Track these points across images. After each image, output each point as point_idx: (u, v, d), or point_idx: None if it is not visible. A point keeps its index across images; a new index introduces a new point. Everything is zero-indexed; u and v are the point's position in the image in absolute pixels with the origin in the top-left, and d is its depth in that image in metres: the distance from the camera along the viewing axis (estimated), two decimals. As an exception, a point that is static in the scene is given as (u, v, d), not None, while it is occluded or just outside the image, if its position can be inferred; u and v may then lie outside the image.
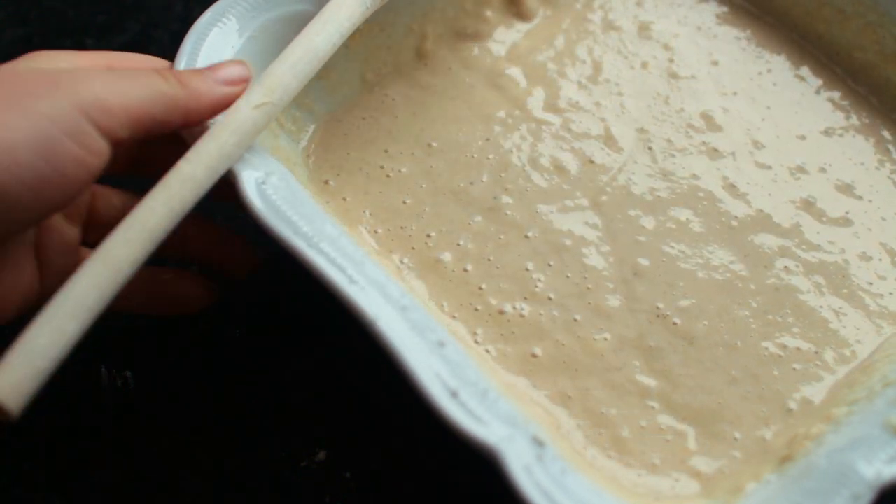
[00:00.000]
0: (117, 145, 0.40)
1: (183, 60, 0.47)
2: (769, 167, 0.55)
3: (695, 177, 0.54)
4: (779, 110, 0.57)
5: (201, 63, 0.47)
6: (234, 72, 0.45)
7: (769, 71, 0.59)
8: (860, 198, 0.54)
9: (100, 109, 0.39)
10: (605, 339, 0.48)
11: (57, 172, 0.38)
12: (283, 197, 0.44)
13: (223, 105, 0.44)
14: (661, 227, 0.52)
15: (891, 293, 0.50)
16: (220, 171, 0.42)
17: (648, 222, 0.52)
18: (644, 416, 0.46)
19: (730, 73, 0.59)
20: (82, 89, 0.39)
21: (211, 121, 0.44)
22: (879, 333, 0.49)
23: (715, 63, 0.59)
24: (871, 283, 0.51)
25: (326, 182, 0.52)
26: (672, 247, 0.51)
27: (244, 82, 0.45)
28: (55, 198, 0.39)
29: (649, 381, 0.47)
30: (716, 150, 0.55)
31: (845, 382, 0.47)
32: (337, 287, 0.41)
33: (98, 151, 0.39)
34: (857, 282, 0.51)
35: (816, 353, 0.48)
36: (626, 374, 0.47)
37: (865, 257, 0.52)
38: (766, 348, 0.48)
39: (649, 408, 0.46)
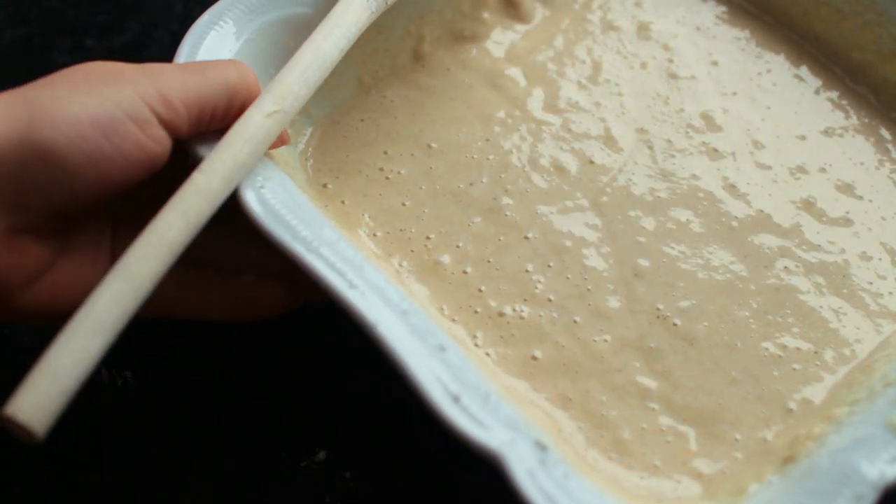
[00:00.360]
0: (178, 136, 0.42)
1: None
2: (769, 167, 0.55)
3: (695, 177, 0.54)
4: (779, 110, 0.57)
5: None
6: None
7: (769, 71, 0.59)
8: (860, 198, 0.54)
9: (160, 101, 0.41)
10: (606, 340, 0.48)
11: (117, 150, 0.39)
12: (281, 201, 0.43)
13: None
14: (662, 228, 0.52)
15: (891, 293, 0.50)
16: (236, 182, 0.42)
17: (648, 223, 0.52)
18: (645, 418, 0.46)
19: (729, 74, 0.59)
20: (146, 81, 0.41)
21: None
22: (879, 333, 0.49)
23: (714, 63, 0.59)
24: (871, 283, 0.51)
25: (325, 185, 0.52)
26: (672, 247, 0.51)
27: None
28: (115, 176, 0.40)
29: (650, 383, 0.47)
30: (716, 150, 0.55)
31: (845, 382, 0.47)
32: (336, 291, 0.41)
33: (159, 140, 0.41)
34: (857, 281, 0.51)
35: (816, 353, 0.48)
36: (627, 375, 0.47)
37: (865, 257, 0.51)
38: (766, 349, 0.48)
39: (650, 409, 0.46)
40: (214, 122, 0.43)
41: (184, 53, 0.47)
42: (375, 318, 0.40)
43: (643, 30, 0.60)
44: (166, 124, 0.41)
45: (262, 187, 0.44)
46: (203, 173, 0.41)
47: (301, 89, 0.45)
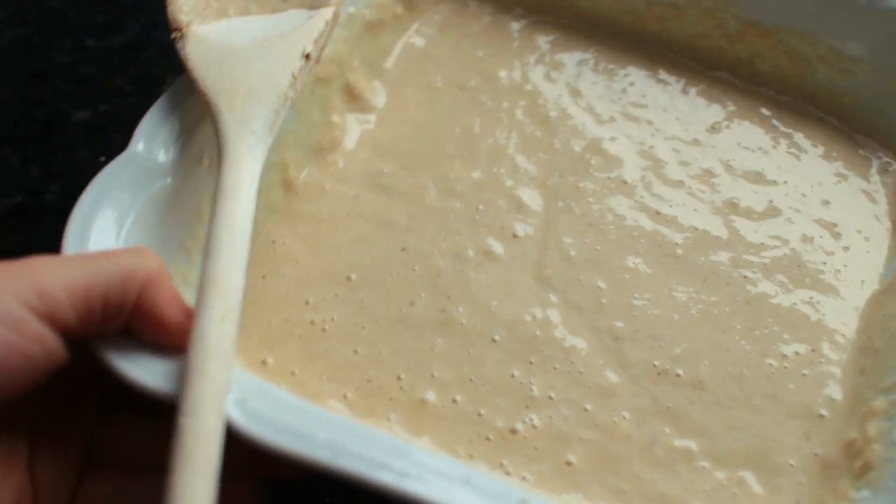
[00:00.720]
0: (67, 331, 0.36)
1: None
2: (681, 182, 0.53)
3: (619, 217, 0.51)
4: (661, 122, 0.55)
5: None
6: None
7: (632, 84, 0.57)
8: (774, 182, 0.53)
9: (35, 294, 0.35)
10: (625, 417, 0.44)
11: None
12: (272, 408, 0.37)
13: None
14: (617, 281, 0.48)
15: (845, 265, 0.50)
16: (224, 407, 0.35)
17: (602, 282, 0.48)
18: (702, 480, 0.43)
19: (597, 99, 0.56)
20: (19, 276, 0.35)
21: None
22: (856, 309, 0.49)
23: (577, 93, 0.56)
24: (824, 263, 0.50)
25: (264, 362, 0.44)
26: (636, 298, 0.48)
27: None
28: None
29: (687, 443, 0.44)
30: (624, 182, 0.52)
31: (855, 369, 0.46)
32: (392, 488, 0.35)
33: (37, 338, 0.34)
34: (812, 267, 0.50)
35: (814, 350, 0.47)
36: (663, 444, 0.44)
37: (807, 239, 0.51)
38: (770, 364, 0.46)
39: (702, 469, 0.43)
40: (109, 312, 0.37)
41: (70, 247, 0.40)
42: (448, 499, 0.35)
43: (491, 81, 0.56)
44: (47, 318, 0.35)
45: (244, 401, 0.36)
46: (191, 416, 0.34)
47: (237, 277, 0.38)
